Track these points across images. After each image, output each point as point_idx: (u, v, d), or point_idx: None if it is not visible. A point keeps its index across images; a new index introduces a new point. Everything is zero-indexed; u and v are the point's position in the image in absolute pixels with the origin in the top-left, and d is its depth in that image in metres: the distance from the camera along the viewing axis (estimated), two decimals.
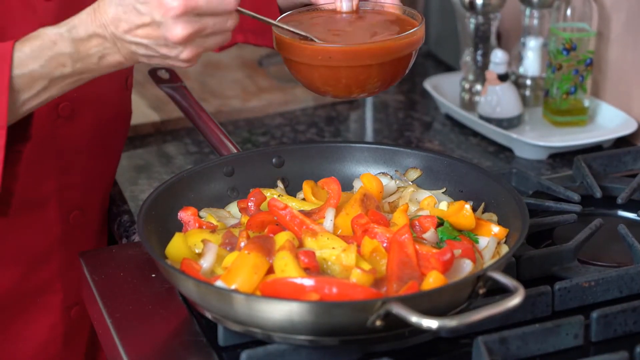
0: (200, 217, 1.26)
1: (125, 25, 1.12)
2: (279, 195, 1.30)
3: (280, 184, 1.36)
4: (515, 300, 1.02)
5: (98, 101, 1.39)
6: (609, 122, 1.71)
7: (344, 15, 1.30)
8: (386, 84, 1.26)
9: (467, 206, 1.22)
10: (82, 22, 1.14)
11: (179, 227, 1.24)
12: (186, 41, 1.11)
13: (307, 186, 1.32)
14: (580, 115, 1.71)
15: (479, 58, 1.79)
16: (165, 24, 1.10)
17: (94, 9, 1.14)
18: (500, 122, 1.70)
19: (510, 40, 1.94)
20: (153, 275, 1.26)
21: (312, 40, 1.22)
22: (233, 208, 1.31)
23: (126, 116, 1.51)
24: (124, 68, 1.18)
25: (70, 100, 1.34)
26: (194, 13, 1.10)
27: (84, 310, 1.43)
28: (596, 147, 1.65)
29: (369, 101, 1.95)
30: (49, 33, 1.14)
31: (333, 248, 1.14)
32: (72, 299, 1.43)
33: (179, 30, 1.10)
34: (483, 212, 1.27)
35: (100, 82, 1.24)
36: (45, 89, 1.16)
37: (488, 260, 1.18)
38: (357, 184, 1.35)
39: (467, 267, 1.14)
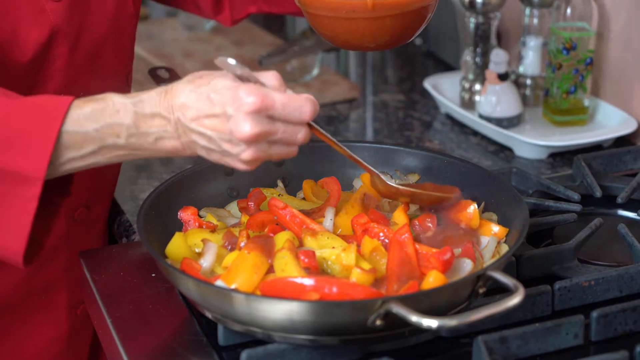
0: (200, 216, 1.26)
1: (193, 113, 1.06)
2: (279, 195, 1.30)
3: (280, 184, 1.36)
4: (515, 300, 1.02)
5: None
6: (609, 121, 1.71)
7: None
8: (410, 33, 1.28)
9: (472, 206, 1.22)
10: (150, 99, 1.09)
11: (179, 226, 1.24)
12: (252, 140, 1.05)
13: (307, 186, 1.32)
14: (580, 115, 1.71)
15: (478, 57, 1.79)
16: (235, 118, 1.04)
17: (166, 90, 1.09)
18: (500, 122, 1.70)
19: (510, 40, 1.94)
20: (153, 275, 1.26)
21: None
22: (233, 208, 1.31)
23: None
24: (179, 155, 1.12)
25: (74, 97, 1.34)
26: (267, 114, 1.05)
27: None
28: (596, 147, 1.65)
29: (369, 101, 1.95)
30: (115, 100, 1.09)
31: (333, 247, 1.14)
32: (78, 297, 1.43)
33: (247, 127, 1.04)
34: (483, 212, 1.27)
35: (103, 77, 1.24)
36: (93, 154, 1.10)
37: (488, 259, 1.18)
38: (357, 184, 1.35)
39: (467, 266, 1.14)
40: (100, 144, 1.10)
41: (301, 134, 1.08)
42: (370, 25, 1.23)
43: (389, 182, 1.23)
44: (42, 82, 1.28)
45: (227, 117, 1.05)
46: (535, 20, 1.75)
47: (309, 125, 1.09)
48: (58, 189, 1.17)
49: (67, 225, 1.39)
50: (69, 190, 1.18)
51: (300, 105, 1.07)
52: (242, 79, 1.07)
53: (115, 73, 1.39)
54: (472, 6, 1.75)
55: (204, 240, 1.18)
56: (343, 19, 1.23)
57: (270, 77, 1.08)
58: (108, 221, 1.53)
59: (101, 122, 1.09)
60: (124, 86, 1.46)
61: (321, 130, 1.12)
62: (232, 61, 1.06)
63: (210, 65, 2.15)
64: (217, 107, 1.05)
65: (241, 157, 1.07)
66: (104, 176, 1.45)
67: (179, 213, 1.25)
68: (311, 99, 1.08)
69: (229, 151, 1.07)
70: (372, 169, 1.23)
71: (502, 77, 1.71)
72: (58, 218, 1.37)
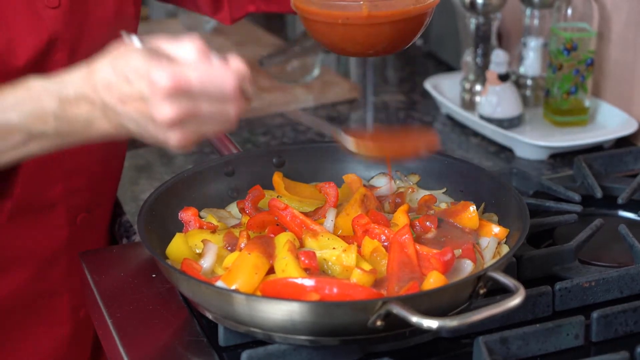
0: (200, 217, 1.26)
1: (116, 94, 0.99)
2: (277, 196, 1.30)
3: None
4: (515, 300, 1.02)
5: None
6: (610, 122, 1.71)
7: None
8: (407, 39, 1.27)
9: (472, 207, 1.22)
10: (72, 81, 1.03)
11: (180, 227, 1.24)
12: (174, 124, 0.98)
13: (277, 178, 1.31)
14: (580, 115, 1.71)
15: (479, 58, 1.79)
16: (152, 102, 0.97)
17: (88, 69, 1.02)
18: (501, 122, 1.70)
19: (511, 40, 1.94)
20: (154, 276, 1.26)
21: None
22: (233, 208, 1.31)
23: None
24: (115, 138, 1.05)
25: None
26: (185, 94, 0.97)
27: None
28: (597, 147, 1.65)
29: (370, 101, 1.95)
30: (36, 85, 1.04)
31: (333, 248, 1.14)
32: (80, 299, 1.43)
33: (166, 111, 0.97)
34: (483, 212, 1.27)
35: None
36: (23, 144, 1.05)
37: (489, 260, 1.18)
38: (347, 179, 1.34)
39: (467, 267, 1.14)
40: (27, 134, 1.04)
41: (232, 108, 1.00)
42: (367, 32, 1.23)
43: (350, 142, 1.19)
44: None
45: (145, 100, 0.98)
46: (536, 21, 1.75)
47: (243, 96, 1.01)
48: None
49: (68, 230, 1.39)
50: (10, 192, 1.15)
51: (220, 79, 0.99)
52: (153, 55, 0.99)
53: None
54: (472, 7, 1.75)
55: (204, 241, 1.18)
56: (339, 25, 1.23)
57: (187, 50, 1.00)
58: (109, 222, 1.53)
59: (25, 110, 1.03)
60: None
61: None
62: (136, 42, 1.00)
63: None
64: (134, 88, 0.98)
65: (170, 141, 1.00)
66: (105, 181, 1.45)
67: (179, 214, 1.25)
68: (234, 69, 1.00)
69: (156, 135, 1.00)
70: (336, 128, 1.19)
71: (503, 77, 1.71)
72: (60, 223, 1.38)
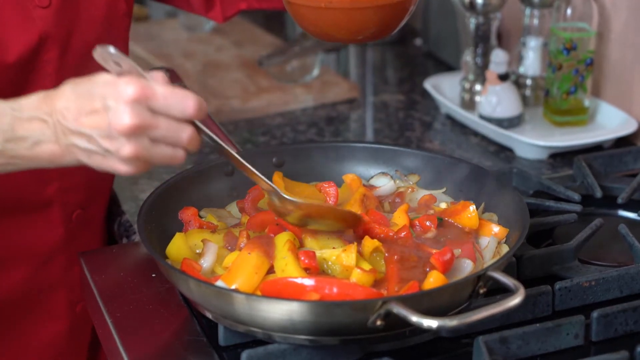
0: (200, 217, 1.26)
1: (73, 113, 1.02)
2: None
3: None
4: (515, 300, 1.02)
5: None
6: (610, 121, 1.71)
7: None
8: (392, 26, 1.26)
9: (472, 207, 1.22)
10: (29, 104, 1.06)
11: (180, 227, 1.24)
12: (131, 133, 1.00)
13: (277, 178, 1.31)
14: (580, 115, 1.71)
15: (479, 58, 1.79)
16: (114, 110, 1.00)
17: (46, 94, 1.05)
18: (501, 122, 1.70)
19: (511, 40, 1.94)
20: (153, 275, 1.26)
21: None
22: (233, 208, 1.31)
23: None
24: (58, 163, 1.07)
25: None
26: (148, 105, 1.00)
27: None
28: (596, 147, 1.65)
29: (369, 101, 1.95)
30: None
31: (333, 248, 1.14)
32: (76, 295, 1.43)
33: (126, 118, 0.99)
34: (483, 212, 1.27)
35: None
36: None
37: (488, 260, 1.18)
38: (347, 179, 1.34)
39: (467, 267, 1.14)
40: None
41: (186, 134, 1.03)
42: (350, 17, 1.22)
43: (286, 197, 1.15)
44: (32, 87, 1.27)
45: (106, 111, 1.00)
46: (536, 21, 1.75)
47: (196, 128, 1.03)
48: None
49: (64, 227, 1.39)
50: None
51: (183, 99, 1.01)
52: (124, 74, 1.03)
53: None
54: (472, 6, 1.75)
55: (204, 241, 1.18)
56: (323, 10, 1.22)
57: (154, 74, 1.04)
58: (108, 221, 1.53)
59: None
60: None
61: (209, 132, 1.06)
62: (112, 50, 1.02)
63: (210, 66, 2.14)
64: (97, 101, 1.01)
65: (121, 153, 1.01)
66: (100, 177, 1.45)
67: (179, 213, 1.25)
68: (196, 96, 1.02)
69: (108, 149, 1.02)
70: (267, 181, 1.16)
71: (503, 77, 1.71)
72: (56, 220, 1.38)
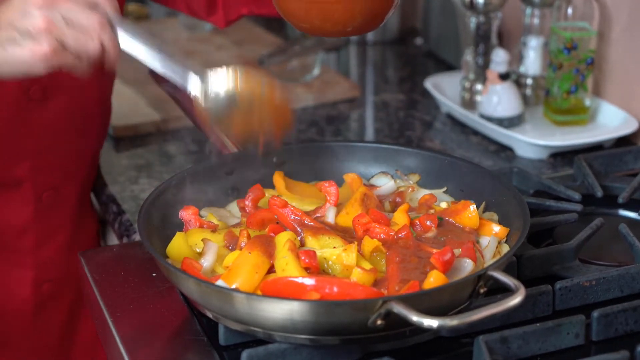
0: (201, 216, 1.26)
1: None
2: (279, 195, 1.30)
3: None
4: (516, 300, 1.02)
5: (73, 84, 1.39)
6: (610, 121, 1.71)
7: None
8: (380, 15, 1.26)
9: (472, 207, 1.22)
10: None
11: (180, 226, 1.24)
12: (43, 4, 1.05)
13: (278, 177, 1.31)
14: (581, 115, 1.71)
15: (479, 57, 1.79)
16: None
17: None
18: (501, 121, 1.70)
19: (511, 40, 1.94)
20: (154, 275, 1.26)
21: None
22: (233, 207, 1.31)
23: (104, 99, 1.52)
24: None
25: (41, 84, 1.35)
26: None
27: (57, 287, 1.47)
28: (597, 147, 1.65)
29: (370, 100, 1.95)
30: None
31: (334, 247, 1.14)
32: (44, 275, 1.45)
33: None
34: (484, 212, 1.27)
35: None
36: None
37: (489, 259, 1.18)
38: (347, 178, 1.34)
39: (467, 266, 1.14)
40: None
41: (93, 20, 1.07)
42: (336, 7, 1.22)
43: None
44: None
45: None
46: (536, 20, 1.75)
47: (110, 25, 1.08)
48: None
49: (34, 206, 1.42)
50: None
51: None
52: None
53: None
54: (473, 6, 1.75)
55: (204, 240, 1.18)
56: (310, 2, 1.22)
57: None
58: (108, 221, 1.53)
59: None
60: (99, 71, 1.46)
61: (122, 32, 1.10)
62: None
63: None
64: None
65: (35, 26, 1.05)
66: (75, 160, 1.47)
67: (179, 213, 1.25)
68: None
69: (24, 27, 1.06)
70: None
71: (503, 76, 1.71)
72: (27, 199, 1.40)
